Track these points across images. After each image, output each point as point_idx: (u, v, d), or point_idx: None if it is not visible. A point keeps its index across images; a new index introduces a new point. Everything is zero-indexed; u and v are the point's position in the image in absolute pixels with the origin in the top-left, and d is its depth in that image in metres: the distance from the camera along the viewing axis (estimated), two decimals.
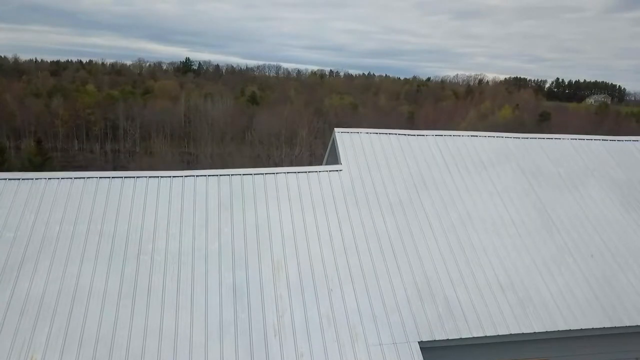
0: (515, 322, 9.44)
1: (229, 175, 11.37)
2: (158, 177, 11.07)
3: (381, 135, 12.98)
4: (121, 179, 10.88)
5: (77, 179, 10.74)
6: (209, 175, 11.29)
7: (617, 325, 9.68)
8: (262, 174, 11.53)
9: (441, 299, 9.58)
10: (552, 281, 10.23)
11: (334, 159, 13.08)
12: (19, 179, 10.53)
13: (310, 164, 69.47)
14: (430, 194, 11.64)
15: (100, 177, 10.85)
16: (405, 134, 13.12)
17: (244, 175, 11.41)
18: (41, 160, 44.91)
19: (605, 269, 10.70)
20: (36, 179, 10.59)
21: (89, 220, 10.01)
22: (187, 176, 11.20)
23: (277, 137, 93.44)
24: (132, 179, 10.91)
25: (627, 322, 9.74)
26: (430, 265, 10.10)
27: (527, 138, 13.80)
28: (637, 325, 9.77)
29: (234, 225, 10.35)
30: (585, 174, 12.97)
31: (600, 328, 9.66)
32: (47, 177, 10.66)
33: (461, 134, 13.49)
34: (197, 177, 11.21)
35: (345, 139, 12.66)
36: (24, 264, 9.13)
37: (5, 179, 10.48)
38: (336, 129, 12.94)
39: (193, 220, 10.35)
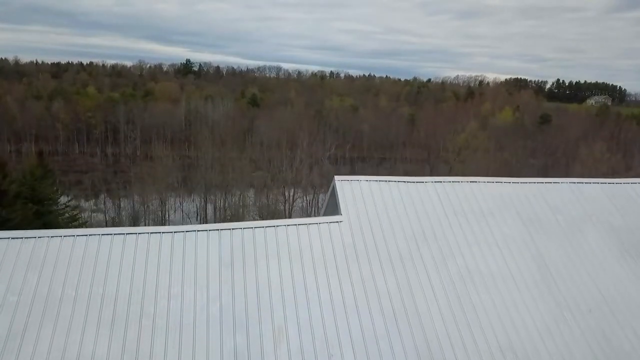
0: None
1: (229, 229, 11.46)
2: (160, 232, 11.15)
3: (381, 182, 13.05)
4: (123, 235, 10.96)
5: (80, 237, 10.82)
6: (210, 230, 11.37)
7: None
8: (263, 227, 11.61)
9: None
10: (550, 341, 10.31)
11: (334, 205, 13.16)
12: (22, 238, 10.60)
13: (310, 170, 69.50)
14: (429, 247, 11.72)
15: (102, 234, 10.92)
16: (404, 181, 13.20)
17: (245, 229, 11.49)
18: (42, 172, 44.93)
19: (604, 325, 10.78)
20: (39, 237, 10.66)
21: (91, 281, 10.08)
22: (188, 231, 11.28)
23: (277, 141, 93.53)
24: (134, 235, 10.99)
25: None
26: (430, 326, 10.18)
27: (526, 183, 13.86)
28: None
29: (235, 285, 10.43)
30: (584, 221, 13.04)
31: None
32: (50, 235, 10.73)
33: (460, 180, 13.57)
34: (199, 232, 11.29)
35: (345, 187, 12.73)
36: (27, 330, 9.21)
37: (8, 238, 10.56)
38: (336, 177, 13.02)
39: (194, 279, 10.43)
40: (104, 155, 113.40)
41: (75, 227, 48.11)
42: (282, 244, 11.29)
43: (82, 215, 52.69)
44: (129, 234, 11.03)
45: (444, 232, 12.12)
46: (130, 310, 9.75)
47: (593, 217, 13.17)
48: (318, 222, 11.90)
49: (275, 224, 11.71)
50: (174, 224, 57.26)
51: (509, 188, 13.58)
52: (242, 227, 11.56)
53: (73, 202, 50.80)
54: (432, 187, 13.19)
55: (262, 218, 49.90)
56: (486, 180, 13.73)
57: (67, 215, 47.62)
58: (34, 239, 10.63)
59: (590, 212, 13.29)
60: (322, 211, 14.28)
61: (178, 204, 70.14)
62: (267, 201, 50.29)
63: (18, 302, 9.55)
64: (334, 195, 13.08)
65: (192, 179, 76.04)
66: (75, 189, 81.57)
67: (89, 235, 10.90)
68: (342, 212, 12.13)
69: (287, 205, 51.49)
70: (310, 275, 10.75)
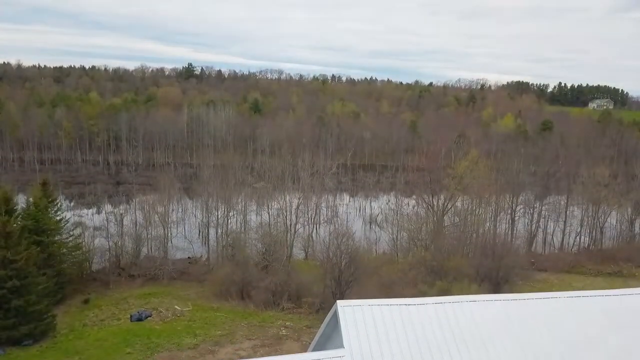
0: None
1: None
2: None
3: (382, 307, 13.34)
4: None
5: None
6: None
7: None
8: None
9: None
10: None
11: (334, 325, 13.51)
12: None
13: (313, 192, 69.69)
14: None
15: None
16: (406, 304, 13.49)
17: None
18: (46, 202, 45.31)
19: None
20: None
21: None
22: None
23: (279, 150, 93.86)
24: None
25: None
26: None
27: (524, 299, 14.16)
28: None
29: None
30: (581, 344, 13.32)
31: None
32: None
33: (460, 300, 13.86)
34: None
35: (347, 315, 12.99)
36: None
37: None
38: (339, 303, 13.30)
39: None
40: (106, 164, 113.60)
41: (79, 255, 48.42)
42: None
43: (85, 234, 52.52)
44: None
45: None
46: None
47: (591, 339, 13.45)
48: (321, 358, 12.21)
49: None
50: (178, 248, 57.46)
51: (507, 307, 13.86)
52: None
53: (77, 231, 50.96)
54: (433, 310, 13.47)
55: (264, 245, 50.10)
56: (485, 299, 14.03)
57: (70, 244, 47.99)
58: None
59: (589, 333, 13.56)
60: (322, 330, 14.55)
61: (180, 220, 70.28)
62: (270, 229, 50.53)
63: None
64: (335, 318, 13.38)
65: (194, 190, 75.98)
66: (78, 201, 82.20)
67: None
68: (344, 345, 12.43)
69: (288, 235, 51.83)
70: None
